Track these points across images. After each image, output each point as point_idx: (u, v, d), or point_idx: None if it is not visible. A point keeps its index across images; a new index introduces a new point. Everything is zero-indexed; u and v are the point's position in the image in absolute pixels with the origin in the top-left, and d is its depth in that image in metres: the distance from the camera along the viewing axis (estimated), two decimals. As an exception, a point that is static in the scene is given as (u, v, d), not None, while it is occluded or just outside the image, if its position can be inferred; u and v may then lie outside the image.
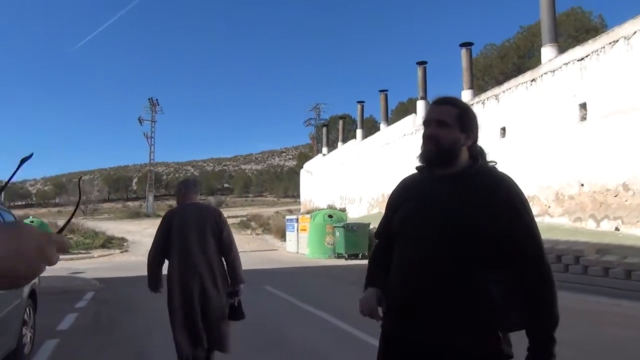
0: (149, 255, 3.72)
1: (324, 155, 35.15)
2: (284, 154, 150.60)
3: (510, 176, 1.69)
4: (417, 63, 22.87)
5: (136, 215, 46.61)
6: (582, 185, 11.19)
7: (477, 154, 1.72)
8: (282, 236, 22.92)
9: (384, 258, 1.82)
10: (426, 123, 1.72)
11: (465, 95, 18.73)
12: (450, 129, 1.66)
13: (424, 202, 1.66)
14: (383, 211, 1.91)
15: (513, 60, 26.85)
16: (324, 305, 7.31)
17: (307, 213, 22.37)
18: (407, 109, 37.82)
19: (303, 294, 8.56)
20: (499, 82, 23.06)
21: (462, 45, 19.56)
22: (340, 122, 36.23)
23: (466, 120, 1.69)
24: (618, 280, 8.01)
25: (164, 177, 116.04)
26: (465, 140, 1.67)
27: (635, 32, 9.98)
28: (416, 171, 1.78)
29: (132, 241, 23.35)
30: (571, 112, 11.62)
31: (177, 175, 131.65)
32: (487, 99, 15.45)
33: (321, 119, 52.47)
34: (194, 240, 3.57)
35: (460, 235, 1.56)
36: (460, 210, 1.58)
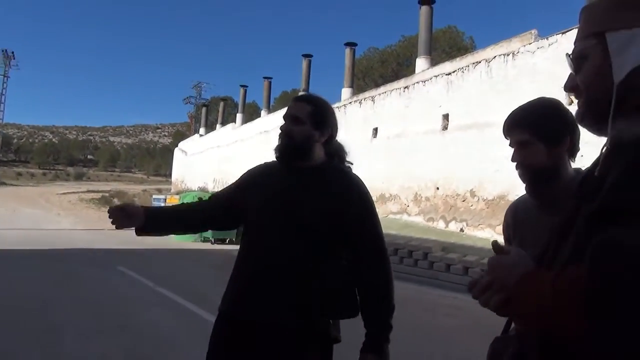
0: None
1: (201, 135, 34.05)
2: (159, 130, 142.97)
3: (361, 177, 1.81)
4: (303, 55, 23.16)
5: (-25, 180, 40.74)
6: (438, 188, 12.25)
7: (334, 151, 1.80)
8: (147, 215, 21.65)
9: (195, 204, 1.97)
10: (284, 118, 1.79)
11: (345, 93, 19.42)
12: (303, 125, 1.72)
13: (277, 192, 1.73)
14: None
15: (392, 66, 28.49)
16: (180, 289, 7.04)
17: (177, 194, 21.48)
18: (289, 98, 38.03)
19: (159, 277, 8.16)
20: (378, 85, 24.29)
21: (347, 44, 20.22)
22: (222, 103, 35.41)
23: (320, 118, 1.75)
24: (457, 275, 8.91)
25: (15, 140, 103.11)
26: (319, 137, 1.74)
27: (495, 57, 11.15)
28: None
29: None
30: (435, 121, 12.63)
31: (31, 140, 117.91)
32: (364, 99, 16.17)
33: (202, 98, 50.84)
34: None
35: (309, 227, 1.66)
36: (310, 204, 1.68)
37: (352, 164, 1.86)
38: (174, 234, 2.01)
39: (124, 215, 1.75)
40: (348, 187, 1.73)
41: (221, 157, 27.47)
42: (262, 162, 1.91)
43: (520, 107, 1.53)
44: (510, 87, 10.62)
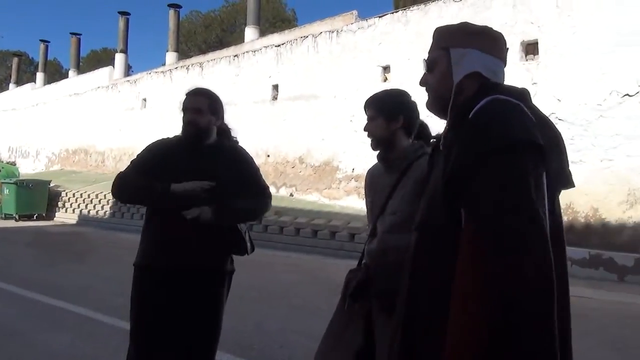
0: None
1: (-12, 96, 28.89)
2: None
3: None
4: (120, 12, 21.24)
5: None
6: (268, 156, 12.79)
7: (224, 131, 2.33)
8: None
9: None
10: (185, 110, 2.22)
11: (170, 58, 18.57)
12: (204, 114, 2.18)
13: (190, 165, 2.17)
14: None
15: (217, 32, 27.91)
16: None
17: (-39, 164, 18.13)
18: (100, 58, 34.72)
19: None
20: (202, 50, 23.66)
21: (171, 6, 19.20)
22: (15, 59, 30.36)
23: (215, 107, 2.23)
24: (289, 236, 9.62)
25: None
26: (215, 121, 2.24)
27: (321, 32, 11.92)
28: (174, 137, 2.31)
29: None
30: (266, 91, 13.04)
31: None
32: (192, 65, 15.72)
33: (-14, 51, 42.61)
34: None
35: (220, 189, 2.17)
36: (218, 172, 2.16)
37: (237, 139, 2.40)
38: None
39: None
40: (242, 160, 2.31)
41: (18, 122, 23.84)
42: (159, 140, 2.32)
43: (377, 92, 2.08)
44: (334, 63, 11.53)
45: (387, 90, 2.06)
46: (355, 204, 10.02)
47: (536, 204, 1.04)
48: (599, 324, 4.54)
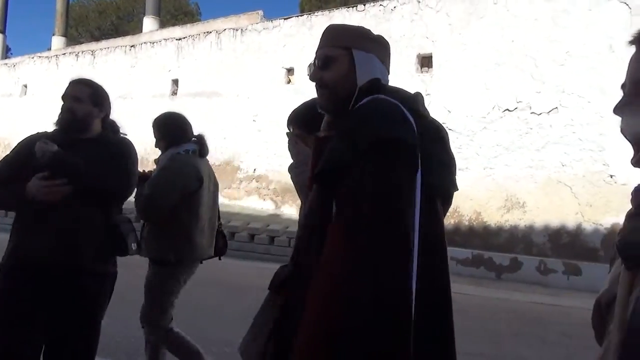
0: None
1: None
2: None
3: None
4: (-2, -13, 19.09)
5: None
6: (166, 154, 12.25)
7: (109, 125, 2.18)
8: None
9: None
10: (63, 97, 2.09)
11: (57, 42, 17.12)
12: (84, 103, 2.04)
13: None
14: None
15: (112, 19, 26.21)
16: None
17: None
18: (-28, 38, 30.87)
19: None
20: (95, 37, 22.13)
21: (59, -14, 17.66)
22: None
23: (97, 98, 2.10)
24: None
25: None
26: (98, 113, 2.09)
27: (225, 29, 11.67)
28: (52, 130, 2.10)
29: None
30: (165, 85, 12.48)
31: None
32: (82, 52, 14.61)
33: None
34: None
35: (97, 191, 2.01)
36: (97, 170, 1.98)
37: (126, 134, 2.26)
38: None
39: None
40: (128, 155, 2.12)
41: None
42: (35, 134, 2.13)
43: (295, 108, 2.12)
44: (238, 61, 11.36)
45: (303, 103, 2.13)
46: (256, 204, 9.92)
47: (403, 204, 1.08)
48: (478, 319, 4.93)
